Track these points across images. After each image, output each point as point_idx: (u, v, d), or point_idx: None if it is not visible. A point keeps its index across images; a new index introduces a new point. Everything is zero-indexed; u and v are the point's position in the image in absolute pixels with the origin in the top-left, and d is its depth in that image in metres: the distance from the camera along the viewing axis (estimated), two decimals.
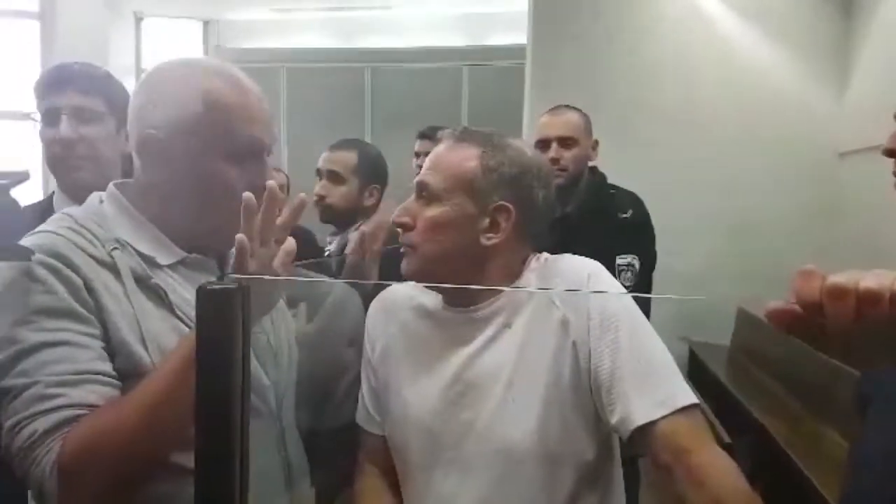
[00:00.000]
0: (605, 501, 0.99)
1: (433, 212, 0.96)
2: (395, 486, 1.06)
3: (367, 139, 5.33)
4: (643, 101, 3.94)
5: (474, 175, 0.96)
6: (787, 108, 3.87)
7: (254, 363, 1.00)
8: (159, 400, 0.80)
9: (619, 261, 1.91)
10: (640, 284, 1.92)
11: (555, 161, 1.98)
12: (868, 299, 0.52)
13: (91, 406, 0.81)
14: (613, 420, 0.91)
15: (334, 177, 1.96)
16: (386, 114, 5.32)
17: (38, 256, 0.84)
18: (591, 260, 1.04)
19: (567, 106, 2.12)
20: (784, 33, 3.89)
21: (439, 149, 1.01)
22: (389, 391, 1.05)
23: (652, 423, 0.88)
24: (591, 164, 2.09)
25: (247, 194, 0.81)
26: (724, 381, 3.38)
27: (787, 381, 3.10)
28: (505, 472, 0.94)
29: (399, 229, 1.00)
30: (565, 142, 2.00)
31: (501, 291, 0.99)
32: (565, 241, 1.97)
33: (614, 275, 1.90)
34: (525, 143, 1.03)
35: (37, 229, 0.91)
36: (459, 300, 1.01)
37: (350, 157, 1.97)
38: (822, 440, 2.58)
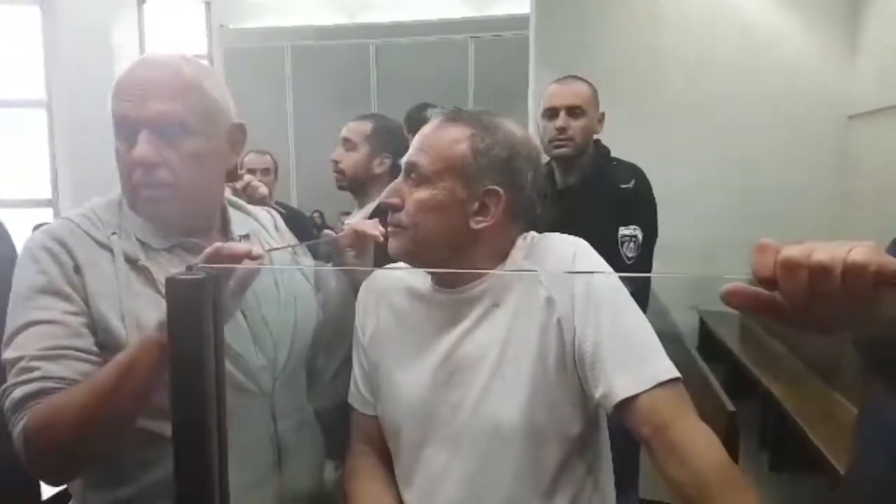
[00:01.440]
0: (594, 470, 1.01)
1: (422, 194, 0.96)
2: (387, 465, 1.08)
3: None
4: (650, 70, 3.89)
5: (464, 158, 0.95)
6: (797, 71, 3.80)
7: (244, 344, 1.04)
8: (109, 387, 0.87)
9: (622, 231, 1.91)
10: (642, 255, 1.92)
11: (562, 130, 1.97)
12: (819, 272, 0.53)
13: (63, 379, 0.90)
14: (597, 395, 0.92)
15: (348, 143, 2.10)
16: (392, 89, 5.29)
17: (41, 240, 0.97)
18: (576, 238, 1.03)
19: (575, 76, 2.09)
20: (797, 8, 3.82)
21: (429, 129, 0.99)
22: (381, 372, 1.06)
23: (633, 398, 0.89)
24: (595, 136, 2.08)
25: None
26: (735, 350, 3.38)
27: (797, 348, 3.09)
28: (493, 448, 0.95)
29: (388, 209, 1.00)
30: (573, 111, 1.99)
31: (490, 272, 0.99)
32: (568, 212, 1.97)
33: (617, 246, 1.90)
34: (514, 122, 1.02)
35: (64, 216, 1.03)
36: (448, 281, 1.01)
37: (365, 126, 2.11)
38: (831, 407, 2.58)
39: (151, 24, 5.17)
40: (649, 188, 2.01)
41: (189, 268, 0.55)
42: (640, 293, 1.97)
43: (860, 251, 0.53)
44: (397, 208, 0.98)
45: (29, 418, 0.88)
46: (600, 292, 0.94)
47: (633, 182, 1.97)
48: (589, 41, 3.93)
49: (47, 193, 4.73)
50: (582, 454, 0.99)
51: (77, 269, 0.96)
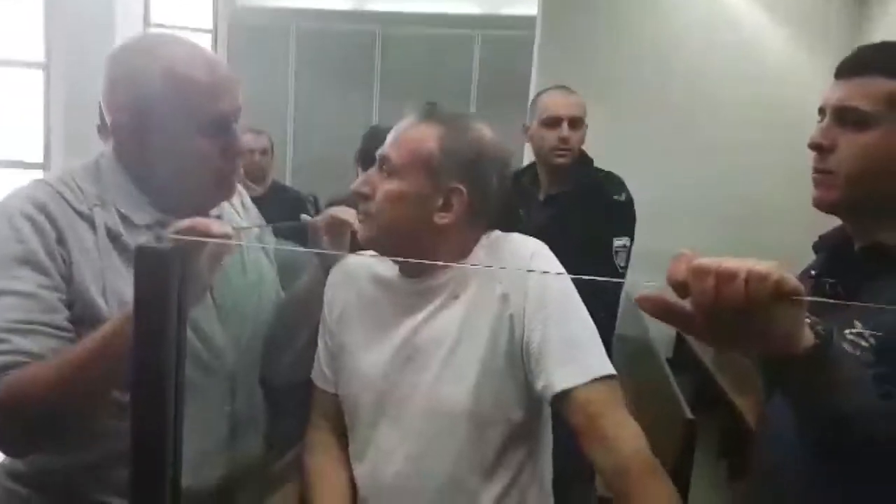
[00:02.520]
0: (533, 457, 1.08)
1: (391, 185, 1.01)
2: (343, 441, 1.14)
3: (376, 103, 5.31)
4: (651, 79, 3.91)
5: (432, 155, 1.00)
6: (793, 82, 3.81)
7: (211, 323, 1.06)
8: (83, 363, 0.87)
9: (616, 243, 2.00)
10: (627, 265, 2.01)
11: (565, 140, 2.03)
12: (725, 276, 0.59)
13: (33, 355, 0.89)
14: (538, 387, 0.99)
15: None
16: (395, 77, 5.29)
17: (21, 205, 0.94)
18: (535, 239, 1.09)
19: (567, 87, 2.15)
20: (795, 20, 3.84)
21: (403, 124, 1.05)
22: (344, 352, 1.11)
23: (570, 390, 0.96)
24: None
25: None
26: (706, 362, 3.50)
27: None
28: (439, 430, 1.02)
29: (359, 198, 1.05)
30: (575, 122, 2.05)
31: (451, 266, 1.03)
32: (559, 219, 2.02)
33: (611, 256, 1.97)
34: (487, 126, 1.07)
35: (39, 178, 1.02)
36: (412, 271, 1.06)
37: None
38: None
39: (158, 4, 5.13)
40: (633, 200, 2.08)
41: (159, 238, 0.55)
42: (613, 300, 2.02)
43: (764, 264, 0.59)
44: (367, 197, 1.03)
45: (2, 390, 0.87)
46: (551, 294, 1.01)
47: (624, 195, 2.05)
48: (591, 47, 3.94)
49: (40, 157, 4.70)
50: (524, 440, 1.05)
51: (60, 240, 0.94)
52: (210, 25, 5.56)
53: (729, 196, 3.86)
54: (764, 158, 3.82)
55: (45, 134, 4.69)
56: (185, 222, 0.83)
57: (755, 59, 3.87)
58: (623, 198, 2.02)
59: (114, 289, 0.95)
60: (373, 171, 1.05)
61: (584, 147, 2.13)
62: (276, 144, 3.64)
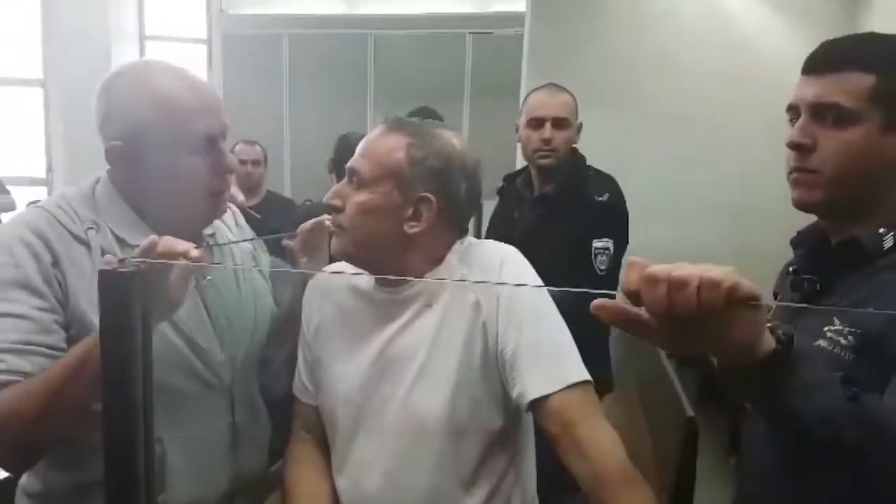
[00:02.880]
0: (515, 464, 1.07)
1: (361, 197, 1.01)
2: (326, 453, 1.14)
3: (370, 106, 5.33)
4: (643, 76, 3.89)
5: (400, 166, 1.01)
6: (787, 80, 3.80)
7: (207, 339, 1.09)
8: (60, 379, 0.90)
9: (595, 244, 1.96)
10: (614, 267, 1.97)
11: (547, 141, 2.02)
12: (676, 284, 0.59)
13: (28, 375, 0.93)
14: (513, 394, 0.99)
15: None
16: (389, 80, 5.31)
17: (18, 231, 0.99)
18: (508, 245, 1.09)
19: (557, 86, 2.13)
20: (792, 15, 3.82)
21: (372, 135, 1.05)
22: (322, 365, 1.12)
23: (545, 398, 0.96)
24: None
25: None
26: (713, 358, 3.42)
27: None
28: (416, 442, 1.01)
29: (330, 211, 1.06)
30: (559, 122, 2.03)
31: (423, 275, 1.04)
32: (542, 219, 2.02)
33: (591, 258, 1.95)
34: (455, 134, 1.07)
35: (37, 203, 1.06)
36: (387, 281, 1.05)
37: None
38: None
39: (151, 6, 5.17)
40: (623, 201, 2.06)
41: (121, 260, 0.58)
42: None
43: (717, 270, 0.59)
44: (338, 210, 1.04)
45: None
46: (523, 300, 1.00)
47: (606, 195, 2.01)
48: (580, 44, 3.94)
49: (42, 172, 4.76)
50: (503, 448, 1.05)
51: (56, 264, 0.98)
52: (204, 36, 5.60)
53: (727, 194, 3.83)
54: (761, 155, 3.80)
55: (47, 150, 4.75)
56: (147, 241, 0.85)
57: (750, 55, 3.84)
58: (605, 198, 1.99)
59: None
60: (343, 183, 1.05)
61: (577, 145, 2.11)
62: (273, 151, 3.68)
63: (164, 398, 1.03)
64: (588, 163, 2.14)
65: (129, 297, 0.59)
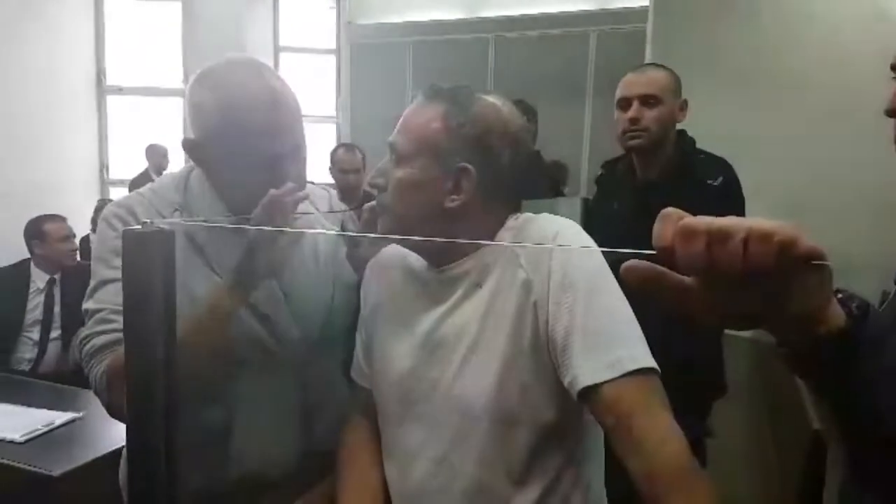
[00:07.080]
0: (576, 462, 0.97)
1: (401, 173, 0.97)
2: (379, 438, 1.09)
3: None
4: (768, 70, 3.60)
5: (437, 136, 0.95)
6: None
7: (275, 308, 1.12)
8: (184, 333, 0.94)
9: None
10: None
11: (634, 121, 1.86)
12: (718, 236, 0.47)
13: None
14: (565, 381, 0.89)
15: None
16: (508, 82, 5.29)
17: (114, 210, 1.10)
18: (565, 219, 0.99)
19: (654, 64, 1.99)
20: None
21: (410, 109, 1.00)
22: (374, 347, 1.09)
23: (598, 386, 0.85)
24: (679, 126, 1.95)
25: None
26: None
27: None
28: (463, 429, 0.95)
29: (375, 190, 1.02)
30: (647, 100, 1.86)
31: (471, 251, 0.98)
32: (647, 207, 1.87)
33: None
34: (501, 99, 0.99)
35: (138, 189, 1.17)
36: (434, 260, 1.01)
37: None
38: None
39: (285, 19, 5.50)
40: (738, 184, 1.85)
41: (144, 223, 0.59)
42: None
43: (768, 221, 0.47)
44: (382, 188, 1.00)
45: (112, 360, 0.98)
46: (576, 274, 0.90)
47: (720, 179, 1.82)
48: (706, 37, 3.71)
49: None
50: (559, 444, 0.95)
51: None
52: (334, 46, 5.88)
53: (867, 184, 3.46)
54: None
55: (185, 156, 5.17)
56: (265, 199, 0.97)
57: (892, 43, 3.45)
58: (718, 182, 1.80)
59: (182, 280, 1.03)
60: (386, 160, 1.01)
61: (684, 127, 1.93)
62: None
63: (236, 371, 1.08)
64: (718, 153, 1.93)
65: (152, 256, 0.60)
